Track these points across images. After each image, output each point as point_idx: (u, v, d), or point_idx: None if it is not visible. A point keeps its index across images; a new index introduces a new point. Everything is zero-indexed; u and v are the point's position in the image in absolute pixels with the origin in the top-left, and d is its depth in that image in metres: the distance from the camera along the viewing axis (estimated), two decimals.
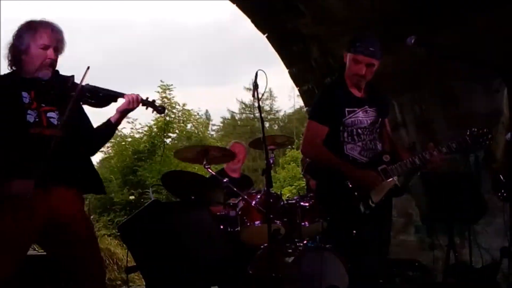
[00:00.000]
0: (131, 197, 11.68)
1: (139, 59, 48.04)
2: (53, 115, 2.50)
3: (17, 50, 2.47)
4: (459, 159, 4.19)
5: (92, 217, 7.35)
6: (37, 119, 2.45)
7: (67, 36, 2.55)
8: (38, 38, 2.46)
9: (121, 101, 2.62)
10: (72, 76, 2.54)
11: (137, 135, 13.53)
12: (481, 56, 2.69)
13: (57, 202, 2.44)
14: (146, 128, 13.50)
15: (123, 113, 2.62)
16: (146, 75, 40.94)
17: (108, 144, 13.62)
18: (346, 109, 2.83)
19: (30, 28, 2.48)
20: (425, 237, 5.86)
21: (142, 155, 12.80)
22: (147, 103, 2.67)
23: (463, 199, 4.04)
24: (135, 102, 2.59)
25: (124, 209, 11.41)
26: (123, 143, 13.44)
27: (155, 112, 2.71)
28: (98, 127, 2.67)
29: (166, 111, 13.41)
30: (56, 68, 2.56)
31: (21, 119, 2.41)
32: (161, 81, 13.67)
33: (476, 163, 4.88)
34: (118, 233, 5.84)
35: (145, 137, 13.40)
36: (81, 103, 2.59)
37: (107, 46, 48.21)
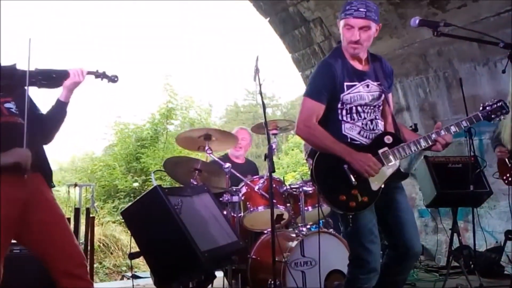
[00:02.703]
0: (135, 184, 11.73)
1: (143, 50, 47.85)
2: (10, 105, 2.48)
3: None
4: (464, 142, 4.16)
5: (96, 204, 7.37)
6: None
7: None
8: None
9: None
10: (15, 65, 2.51)
11: (140, 122, 13.52)
12: (489, 36, 2.58)
13: (33, 187, 2.43)
14: (149, 115, 13.50)
15: (70, 87, 2.61)
16: (150, 66, 40.74)
17: (111, 132, 13.66)
18: (345, 83, 2.54)
19: None
20: (429, 221, 5.86)
21: (145, 142, 12.82)
22: (99, 74, 2.72)
23: (467, 182, 4.02)
24: (81, 74, 2.60)
25: (128, 196, 11.46)
26: (126, 130, 13.44)
27: (110, 82, 2.75)
28: (50, 110, 2.63)
29: (169, 98, 13.48)
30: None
31: None
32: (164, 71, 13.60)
33: (480, 146, 4.85)
34: (123, 220, 5.85)
35: (148, 124, 13.39)
36: (36, 87, 2.55)
37: (114, 40, 48.02)
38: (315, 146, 2.57)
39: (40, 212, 2.45)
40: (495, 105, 2.63)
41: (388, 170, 2.53)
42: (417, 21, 2.46)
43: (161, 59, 41.51)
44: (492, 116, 2.63)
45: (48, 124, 2.62)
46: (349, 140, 2.56)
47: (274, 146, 3.69)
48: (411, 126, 2.75)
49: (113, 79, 2.77)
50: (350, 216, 2.47)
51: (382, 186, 2.51)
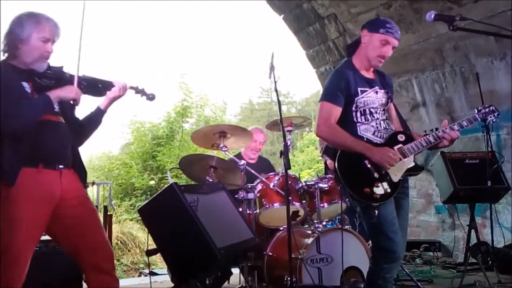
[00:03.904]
0: (151, 182, 11.83)
1: (158, 49, 48.09)
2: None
3: (16, 38, 2.41)
4: (481, 137, 4.11)
5: (113, 202, 7.46)
6: None
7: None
8: (41, 30, 2.43)
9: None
10: (62, 67, 2.56)
11: (155, 121, 13.62)
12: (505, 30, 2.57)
13: (67, 184, 2.49)
14: (164, 114, 13.59)
15: (113, 99, 2.69)
16: (166, 64, 40.90)
17: (127, 130, 13.79)
18: (359, 88, 2.77)
19: (34, 19, 2.44)
20: (446, 218, 5.81)
21: (161, 141, 12.91)
22: (138, 90, 2.80)
23: (484, 178, 3.98)
24: (124, 89, 2.70)
25: (145, 194, 11.56)
26: (142, 129, 13.55)
27: (147, 99, 2.84)
28: (88, 115, 2.69)
29: (184, 96, 13.55)
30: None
31: None
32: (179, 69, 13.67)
33: (498, 142, 4.79)
34: (140, 217, 5.92)
35: (163, 123, 13.48)
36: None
37: (130, 39, 48.33)
38: (337, 145, 2.77)
39: (73, 207, 2.50)
40: (488, 109, 2.96)
41: (405, 163, 2.73)
42: (432, 16, 2.46)
43: (176, 58, 41.71)
44: (487, 118, 2.95)
45: (84, 128, 2.69)
46: (365, 140, 2.75)
47: (288, 143, 3.69)
48: (431, 130, 2.86)
49: (150, 97, 2.86)
50: (375, 208, 2.63)
51: (401, 178, 2.71)
